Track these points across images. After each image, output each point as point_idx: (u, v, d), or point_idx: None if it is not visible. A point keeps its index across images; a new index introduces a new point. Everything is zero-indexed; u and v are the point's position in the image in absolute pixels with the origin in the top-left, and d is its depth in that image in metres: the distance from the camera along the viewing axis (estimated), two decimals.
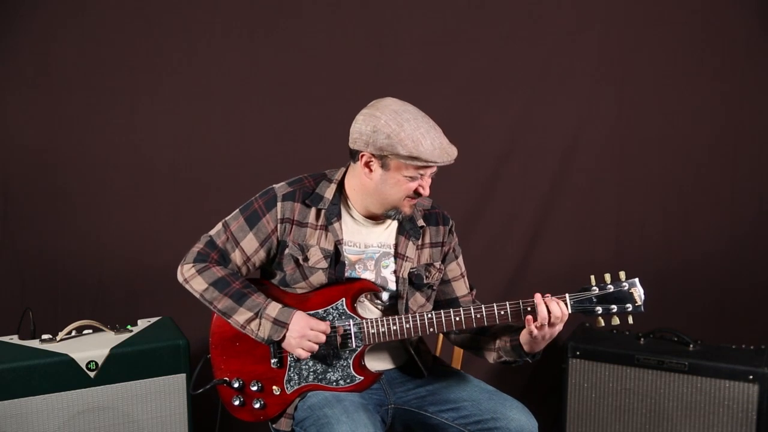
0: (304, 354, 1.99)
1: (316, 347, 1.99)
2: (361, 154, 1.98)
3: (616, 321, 1.98)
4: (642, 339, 2.90)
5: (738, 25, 3.18)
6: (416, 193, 2.00)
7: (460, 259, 2.25)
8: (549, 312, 1.93)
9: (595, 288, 1.98)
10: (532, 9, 3.23)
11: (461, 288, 2.23)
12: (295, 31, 3.11)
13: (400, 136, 1.91)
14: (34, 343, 2.42)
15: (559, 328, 1.96)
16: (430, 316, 2.01)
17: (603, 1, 3.23)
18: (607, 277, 1.98)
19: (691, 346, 2.82)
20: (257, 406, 2.06)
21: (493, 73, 3.25)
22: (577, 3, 3.23)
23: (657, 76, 3.26)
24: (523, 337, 2.00)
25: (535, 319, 1.94)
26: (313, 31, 3.12)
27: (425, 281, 2.13)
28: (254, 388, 2.06)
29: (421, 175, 1.97)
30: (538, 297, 1.95)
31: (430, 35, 3.20)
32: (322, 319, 2.03)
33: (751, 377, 2.65)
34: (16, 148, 2.93)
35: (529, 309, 1.97)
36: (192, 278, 2.04)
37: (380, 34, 3.18)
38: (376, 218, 2.09)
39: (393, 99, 2.01)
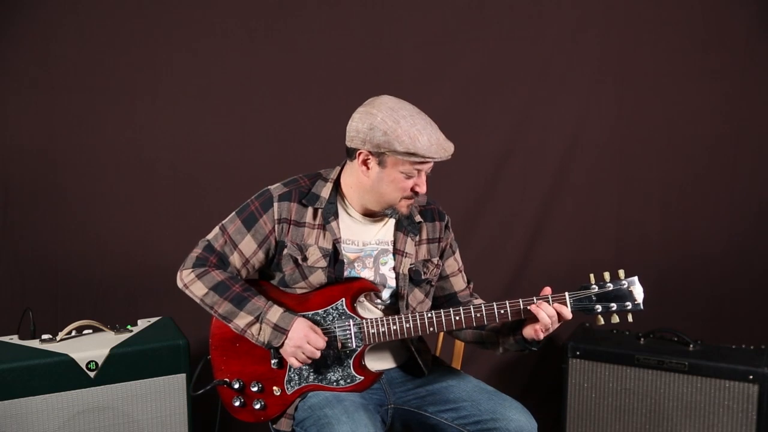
0: (296, 364, 2.00)
1: (309, 361, 1.99)
2: (358, 152, 1.98)
3: (615, 319, 1.98)
4: (642, 339, 2.90)
5: (738, 25, 3.18)
6: (414, 192, 2.01)
7: (457, 254, 2.25)
8: (549, 317, 1.94)
9: (594, 286, 1.98)
10: (532, 9, 3.23)
11: (459, 283, 2.24)
12: (295, 31, 3.11)
13: (397, 132, 1.91)
14: (34, 343, 2.42)
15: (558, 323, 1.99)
16: (430, 315, 2.01)
17: (603, 0, 3.23)
18: (607, 275, 1.98)
19: (691, 346, 2.82)
20: (257, 406, 2.06)
21: (493, 73, 3.25)
22: (577, 3, 3.23)
23: (657, 76, 3.26)
24: (527, 332, 2.00)
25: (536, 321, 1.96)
26: (313, 31, 3.12)
27: (423, 277, 2.13)
28: (254, 389, 2.06)
29: (418, 171, 1.97)
30: (534, 308, 1.95)
31: (430, 35, 3.20)
32: (323, 319, 2.03)
33: (751, 377, 2.65)
34: (16, 147, 2.93)
35: (528, 308, 1.97)
36: (192, 283, 2.04)
37: (380, 34, 3.18)
38: (373, 216, 2.10)
39: (389, 96, 2.01)
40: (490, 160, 3.30)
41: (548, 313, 1.94)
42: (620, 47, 3.25)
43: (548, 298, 1.97)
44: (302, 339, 1.97)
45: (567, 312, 1.96)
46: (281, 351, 2.01)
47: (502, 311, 1.99)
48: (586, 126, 3.30)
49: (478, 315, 1.99)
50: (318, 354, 1.98)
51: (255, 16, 3.07)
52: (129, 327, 2.55)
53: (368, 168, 1.99)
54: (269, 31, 3.09)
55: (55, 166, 2.97)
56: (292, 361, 2.00)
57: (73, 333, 2.48)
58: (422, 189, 2.01)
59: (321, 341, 1.99)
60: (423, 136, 1.92)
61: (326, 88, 3.15)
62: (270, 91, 3.12)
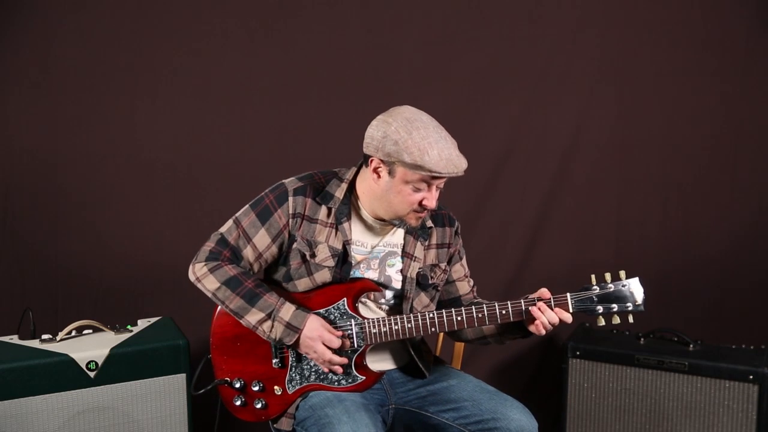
0: (318, 361, 2.01)
1: (325, 362, 1.99)
2: (371, 159, 1.98)
3: (616, 320, 1.99)
4: (642, 339, 2.90)
5: (738, 25, 3.18)
6: (422, 206, 1.99)
7: (464, 260, 2.26)
8: (551, 322, 1.96)
9: (595, 287, 1.98)
10: (532, 9, 3.23)
11: (464, 287, 2.24)
12: (295, 31, 3.11)
13: (407, 143, 1.90)
14: (34, 343, 2.41)
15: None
16: (431, 315, 2.01)
17: (603, 1, 3.23)
18: (608, 276, 1.99)
19: (691, 346, 2.82)
20: (259, 406, 2.06)
21: (493, 73, 3.25)
22: (577, 3, 3.23)
23: (657, 76, 3.26)
24: (530, 328, 2.01)
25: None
26: (313, 32, 3.12)
27: (430, 281, 2.13)
28: (256, 388, 2.06)
29: (428, 185, 1.96)
30: (536, 312, 1.96)
31: (430, 35, 3.20)
32: (324, 319, 2.03)
33: (751, 377, 2.65)
34: (16, 147, 2.92)
35: (530, 310, 1.97)
36: (204, 277, 2.03)
37: (380, 34, 3.18)
38: (384, 220, 2.09)
39: (409, 107, 2.00)
40: (490, 160, 3.30)
41: (550, 320, 1.95)
42: (620, 47, 3.25)
43: (550, 300, 1.98)
44: (317, 339, 1.97)
45: (568, 317, 1.98)
46: (298, 349, 2.01)
47: (504, 312, 1.99)
48: (586, 126, 3.30)
49: (480, 315, 2.00)
50: (329, 356, 1.98)
51: (255, 16, 3.07)
52: (129, 327, 2.55)
53: (379, 176, 1.99)
54: (269, 31, 3.09)
55: (55, 166, 2.96)
56: (312, 357, 2.00)
57: (73, 333, 2.48)
58: (431, 204, 1.99)
59: (335, 341, 1.98)
60: (433, 150, 1.90)
61: (326, 88, 3.15)
62: (270, 91, 3.12)
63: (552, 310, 1.96)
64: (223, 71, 3.08)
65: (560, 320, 1.97)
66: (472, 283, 2.27)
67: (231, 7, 3.06)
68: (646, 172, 3.32)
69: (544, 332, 1.98)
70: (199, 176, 3.09)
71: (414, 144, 1.90)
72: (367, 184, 2.04)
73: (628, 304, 1.97)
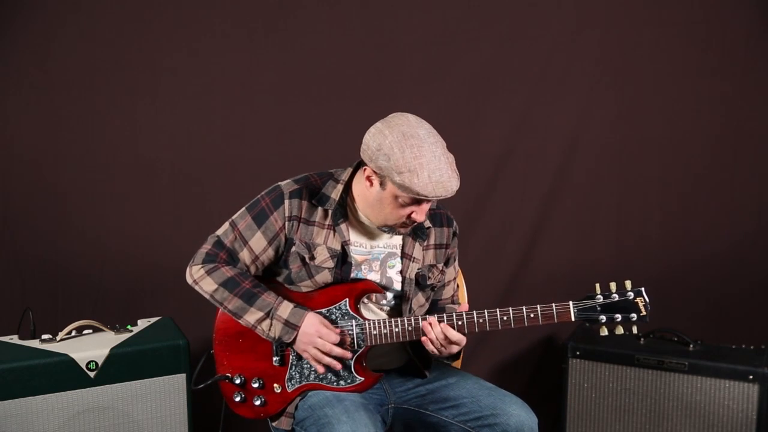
0: (311, 360, 2.01)
1: (322, 356, 1.99)
2: (365, 166, 1.98)
3: (620, 330, 1.98)
4: (642, 339, 2.90)
5: (738, 25, 3.18)
6: (410, 219, 1.99)
7: (456, 264, 2.26)
8: (436, 336, 1.98)
9: (599, 296, 1.97)
10: (532, 9, 3.23)
11: (448, 291, 2.24)
12: (295, 31, 3.11)
13: (398, 163, 1.86)
14: (34, 343, 2.42)
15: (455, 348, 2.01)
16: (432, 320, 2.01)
17: (603, 1, 3.23)
18: (613, 285, 1.97)
19: (691, 346, 2.82)
20: (258, 402, 2.07)
21: (493, 73, 3.25)
22: (577, 3, 3.22)
23: (657, 76, 3.25)
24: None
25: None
26: (313, 31, 3.12)
27: (428, 282, 2.13)
28: (255, 385, 2.07)
29: (418, 203, 1.95)
30: (426, 325, 1.97)
31: (430, 35, 3.20)
32: (326, 318, 2.03)
33: (751, 377, 2.65)
34: (16, 148, 2.93)
35: (531, 316, 1.97)
36: (201, 279, 2.03)
37: (380, 34, 3.18)
38: None
39: (409, 117, 1.95)
40: (490, 160, 3.30)
41: (436, 335, 1.96)
42: (620, 47, 3.24)
43: (532, 308, 1.97)
44: (314, 334, 1.97)
45: (452, 333, 1.97)
46: (295, 347, 2.01)
47: (505, 318, 1.99)
48: (586, 126, 3.30)
49: (481, 320, 1.99)
50: (329, 348, 1.98)
51: (255, 16, 3.07)
52: (129, 327, 2.55)
53: (371, 185, 1.98)
54: (269, 31, 3.09)
55: (56, 166, 2.97)
56: (306, 356, 2.01)
57: (73, 333, 2.48)
58: (419, 218, 1.98)
59: (333, 335, 1.99)
60: (423, 172, 1.86)
61: (326, 88, 3.15)
62: (270, 91, 3.12)
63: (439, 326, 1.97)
64: (223, 71, 3.08)
65: (446, 337, 1.97)
66: (456, 287, 2.27)
67: (231, 7, 3.06)
68: (646, 172, 3.32)
69: (433, 350, 1.99)
70: (199, 176, 3.09)
71: (405, 164, 1.86)
72: (361, 187, 2.03)
73: (632, 314, 1.96)
